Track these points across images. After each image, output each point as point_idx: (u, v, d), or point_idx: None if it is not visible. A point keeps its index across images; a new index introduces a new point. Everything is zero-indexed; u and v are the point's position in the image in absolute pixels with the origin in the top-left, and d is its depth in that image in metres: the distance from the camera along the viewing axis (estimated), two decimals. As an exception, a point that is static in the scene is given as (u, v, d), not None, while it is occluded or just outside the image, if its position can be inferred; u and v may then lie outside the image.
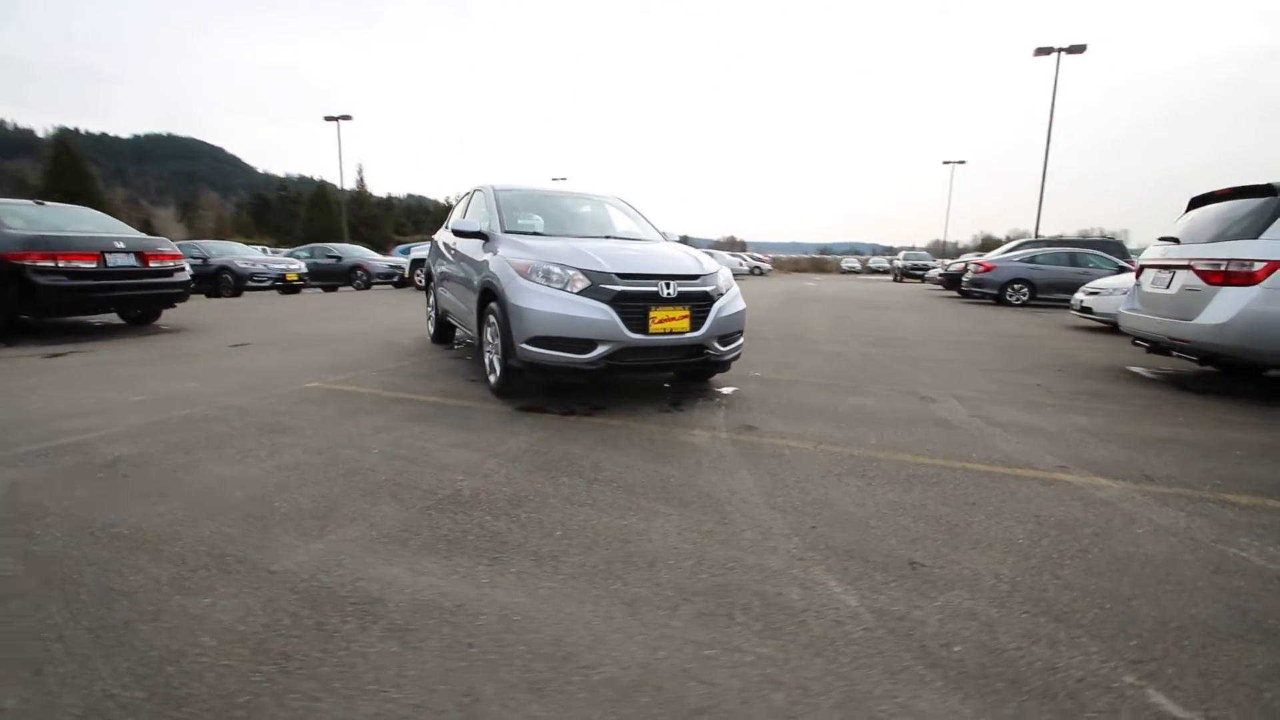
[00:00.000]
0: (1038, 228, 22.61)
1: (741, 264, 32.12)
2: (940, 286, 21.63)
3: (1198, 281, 4.72)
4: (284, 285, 14.03)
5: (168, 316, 8.20)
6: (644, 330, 3.68)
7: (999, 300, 14.90)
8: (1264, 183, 4.65)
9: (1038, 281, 14.50)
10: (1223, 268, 4.53)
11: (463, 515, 2.29)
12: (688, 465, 2.89)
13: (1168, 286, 5.12)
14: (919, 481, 2.74)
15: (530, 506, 2.38)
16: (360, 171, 54.20)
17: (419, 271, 15.54)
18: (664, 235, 5.18)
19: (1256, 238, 4.41)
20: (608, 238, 4.65)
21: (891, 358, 6.27)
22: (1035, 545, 2.15)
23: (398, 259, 17.76)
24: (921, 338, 8.02)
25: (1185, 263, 4.90)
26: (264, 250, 18.66)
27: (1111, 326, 9.50)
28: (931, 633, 1.64)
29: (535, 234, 4.46)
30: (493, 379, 4.20)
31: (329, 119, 32.03)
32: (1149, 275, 5.52)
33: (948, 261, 21.30)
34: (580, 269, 3.70)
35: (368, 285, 16.28)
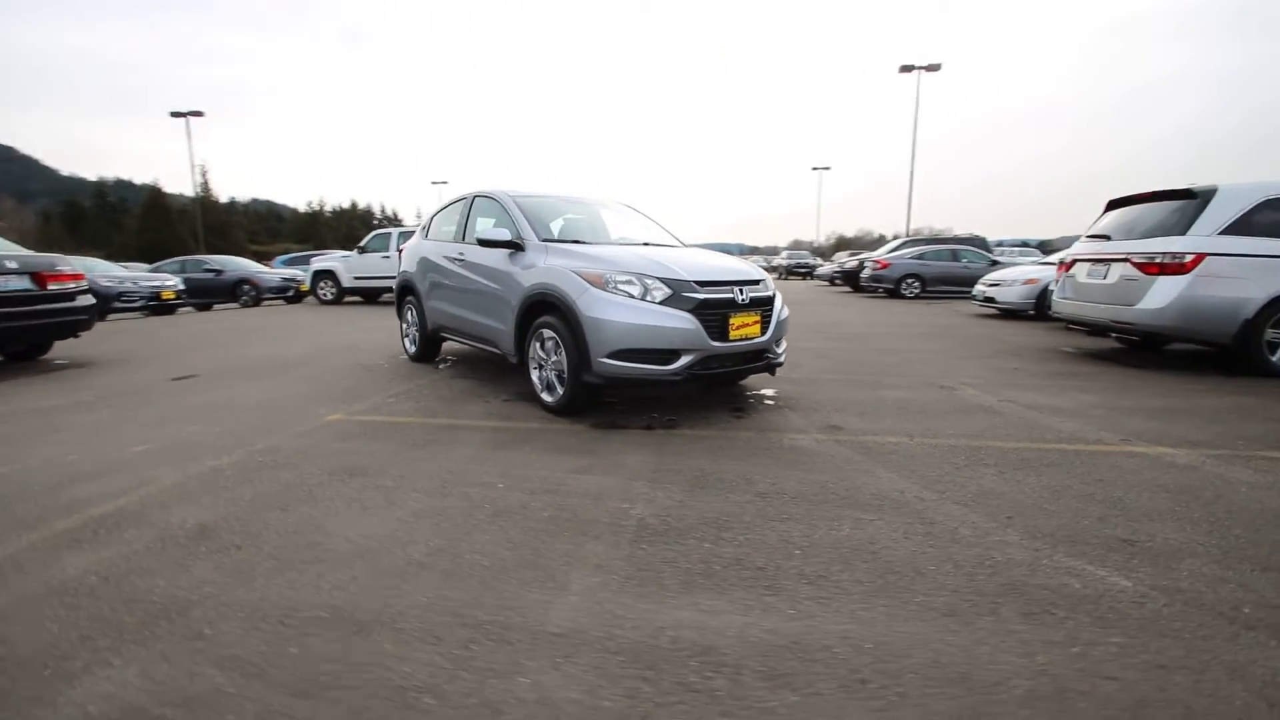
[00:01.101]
0: (908, 227, 25.21)
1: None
2: (829, 283, 23.46)
3: (1135, 272, 5.51)
4: (158, 305, 12.14)
5: (56, 349, 6.78)
6: (724, 338, 3.63)
7: (893, 294, 16.40)
8: (1183, 187, 5.53)
9: (927, 276, 16.15)
10: (1158, 260, 5.33)
11: (679, 545, 2.13)
12: (826, 469, 2.90)
13: (1105, 277, 5.93)
14: (1037, 465, 2.96)
15: (734, 528, 2.27)
16: (204, 174, 48.09)
17: (324, 284, 14.16)
18: (680, 241, 5.15)
19: (1184, 233, 5.23)
20: (646, 244, 4.54)
21: (868, 351, 6.69)
22: (1191, 511, 2.41)
23: (291, 271, 16.02)
24: (874, 331, 8.62)
25: (1122, 256, 5.70)
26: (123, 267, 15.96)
27: (1009, 314, 10.83)
28: (1217, 600, 1.78)
29: (577, 242, 4.24)
30: (548, 396, 3.94)
31: (176, 115, 28.12)
32: (1083, 268, 6.35)
33: (843, 259, 23.13)
34: (660, 278, 3.58)
35: (256, 301, 14.52)
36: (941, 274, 16.07)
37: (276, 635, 1.62)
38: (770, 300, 3.97)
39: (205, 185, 43.02)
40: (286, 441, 3.35)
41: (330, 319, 10.99)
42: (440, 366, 5.73)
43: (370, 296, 14.88)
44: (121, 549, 2.10)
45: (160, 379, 5.22)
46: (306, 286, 15.16)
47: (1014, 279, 10.54)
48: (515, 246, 4.26)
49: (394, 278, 13.22)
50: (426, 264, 5.50)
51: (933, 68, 23.39)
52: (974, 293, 11.49)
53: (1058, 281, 6.92)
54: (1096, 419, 3.78)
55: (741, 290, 3.77)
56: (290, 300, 15.36)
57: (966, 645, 1.58)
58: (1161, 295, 5.25)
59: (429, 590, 1.84)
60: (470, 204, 5.11)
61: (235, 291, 14.44)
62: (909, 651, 1.56)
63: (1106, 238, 6.15)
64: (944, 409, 4.07)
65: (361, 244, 13.89)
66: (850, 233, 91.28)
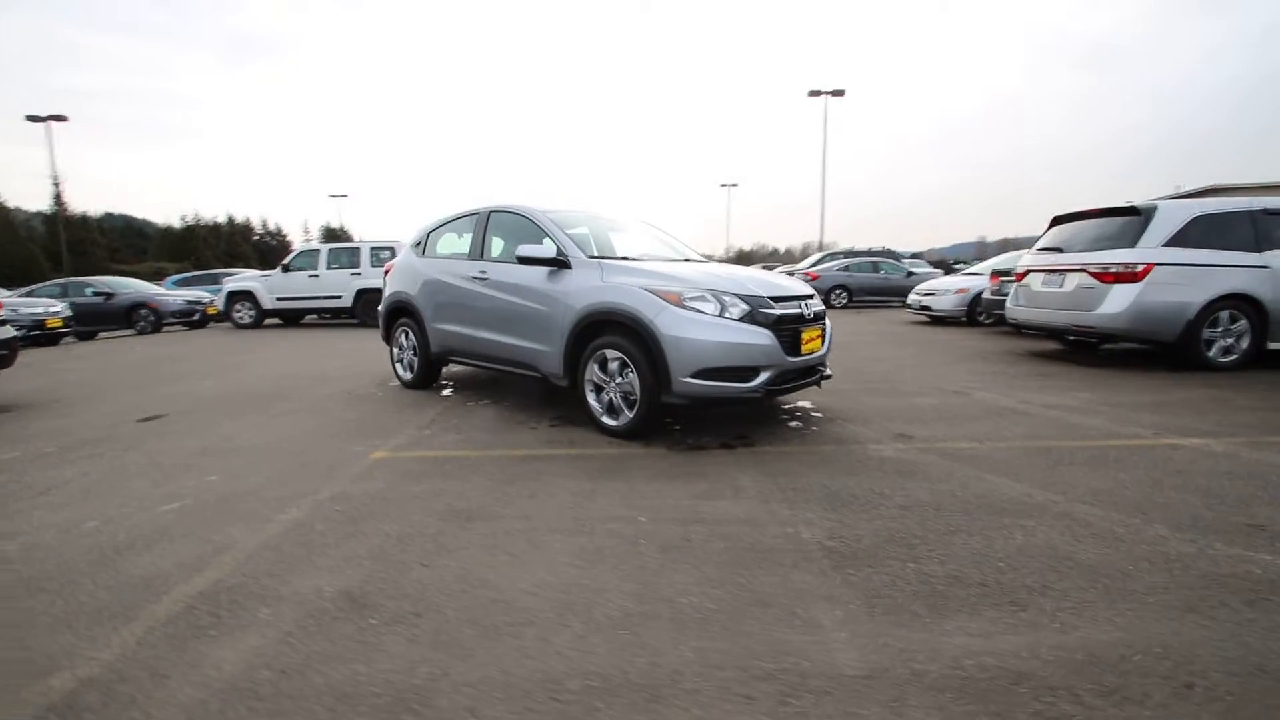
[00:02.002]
0: (821, 241, 26.77)
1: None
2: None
3: (1092, 281, 6.13)
4: (40, 335, 10.48)
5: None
6: (796, 352, 3.65)
7: (824, 304, 17.29)
8: (1128, 205, 6.24)
9: (853, 287, 17.17)
10: (1112, 269, 5.96)
11: (882, 568, 2.09)
12: (939, 478, 2.96)
13: (1061, 286, 6.55)
14: (1110, 462, 3.18)
15: (916, 545, 2.26)
16: (58, 185, 42.33)
17: (240, 307, 12.85)
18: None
19: (1134, 245, 5.88)
20: (687, 260, 4.48)
21: (855, 359, 6.97)
22: (1268, 492, 2.67)
23: (194, 293, 14.38)
24: (841, 340, 9.00)
25: (1078, 267, 6.33)
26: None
27: (940, 320, 11.72)
28: (1383, 576, 1.99)
29: (627, 259, 4.11)
30: (610, 420, 3.77)
31: (33, 119, 24.53)
32: (1037, 278, 6.97)
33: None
34: (737, 294, 3.54)
35: (156, 328, 12.88)
36: (866, 285, 17.15)
37: (564, 715, 1.41)
38: (824, 315, 4.04)
39: (59, 199, 37.61)
40: (350, 487, 2.97)
41: (265, 345, 9.96)
42: (444, 393, 5.34)
43: (292, 319, 13.68)
44: (271, 633, 1.75)
45: (119, 421, 4.48)
46: (215, 309, 13.69)
47: (946, 288, 11.43)
48: (560, 264, 4.06)
49: (325, 298, 12.44)
50: (430, 284, 5.11)
51: (838, 93, 25.13)
52: (909, 301, 12.32)
53: (1011, 291, 7.55)
54: (1112, 416, 4.14)
55: (805, 305, 3.81)
56: (195, 325, 13.78)
57: (1230, 637, 1.65)
58: (1118, 301, 5.86)
59: (682, 644, 1.68)
60: (485, 220, 4.83)
61: (130, 317, 12.74)
62: (1195, 651, 1.60)
63: (1059, 250, 6.81)
64: (977, 413, 4.30)
65: (285, 261, 12.73)
66: (748, 246, 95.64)
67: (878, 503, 2.66)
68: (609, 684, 1.51)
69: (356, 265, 12.39)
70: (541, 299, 4.12)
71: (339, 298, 12.42)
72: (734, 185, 48.52)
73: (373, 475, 3.15)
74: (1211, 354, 5.78)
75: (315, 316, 14.24)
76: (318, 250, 12.60)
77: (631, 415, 3.66)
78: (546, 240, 4.22)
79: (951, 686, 1.49)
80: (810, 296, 3.97)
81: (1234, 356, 5.78)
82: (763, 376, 3.50)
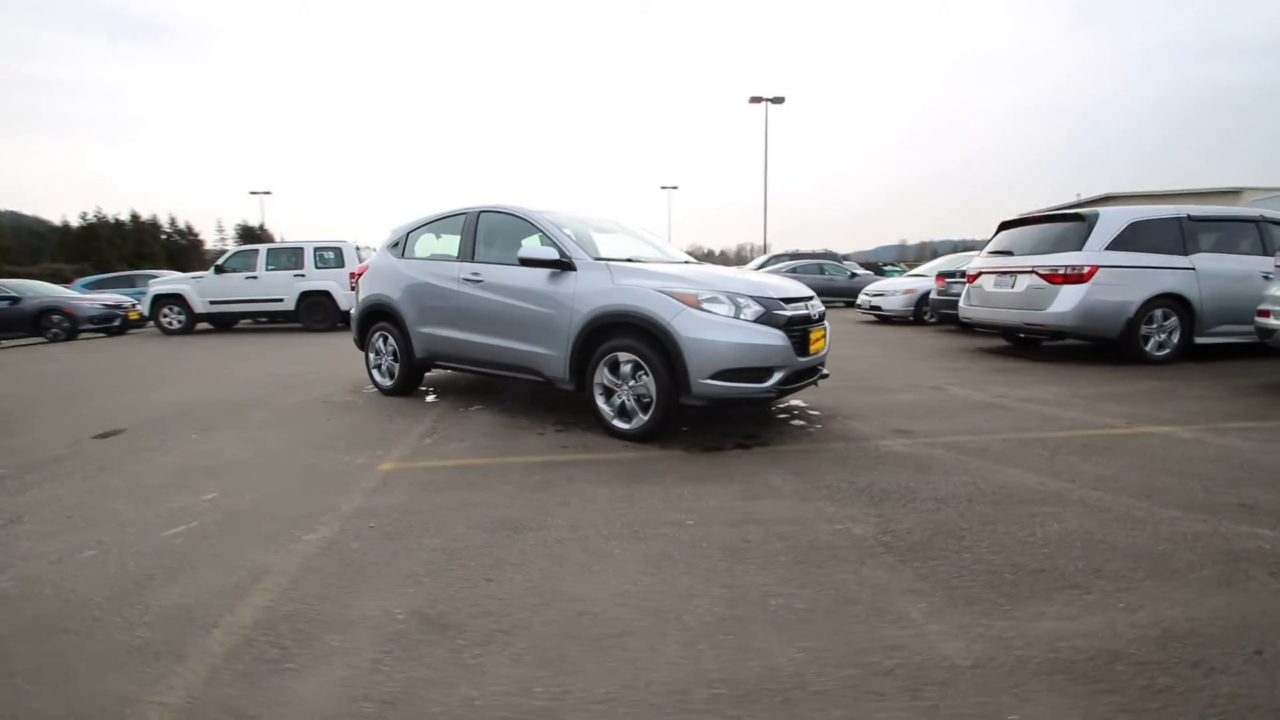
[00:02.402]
0: (765, 244, 27.53)
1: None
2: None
3: (1042, 282, 6.58)
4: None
5: None
6: (805, 352, 3.73)
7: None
8: (1073, 211, 6.73)
9: (801, 287, 17.70)
10: (1061, 271, 6.42)
11: (941, 559, 2.16)
12: (957, 471, 3.10)
13: (1013, 286, 6.99)
14: (1100, 450, 3.42)
15: (964, 536, 2.35)
16: (-71, 176, 37.75)
17: (169, 311, 11.92)
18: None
19: (1080, 249, 6.36)
20: (685, 262, 4.49)
21: (829, 358, 7.18)
22: (1248, 474, 2.95)
23: (112, 296, 13.19)
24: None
25: (1029, 269, 6.78)
26: None
27: (888, 319, 12.26)
28: (1370, 545, 2.23)
29: (633, 261, 4.08)
30: (621, 423, 3.74)
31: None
32: (989, 279, 7.41)
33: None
34: (751, 296, 3.58)
35: (72, 334, 11.73)
36: (812, 286, 17.58)
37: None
38: (824, 315, 4.16)
39: (-69, 190, 33.59)
40: (370, 501, 2.81)
41: (205, 352, 9.27)
42: (429, 399, 5.14)
43: (225, 324, 12.79)
44: (355, 661, 1.64)
45: (73, 438, 4.05)
46: (137, 314, 12.63)
47: (895, 289, 11.98)
48: (564, 266, 3.99)
49: (264, 301, 11.70)
50: (414, 286, 4.90)
51: (778, 100, 25.88)
52: (859, 302, 12.84)
53: (964, 291, 7.99)
54: (1084, 407, 4.45)
55: (810, 306, 3.91)
56: (114, 332, 12.65)
57: (1271, 606, 1.82)
58: (1067, 300, 6.32)
59: (788, 645, 1.68)
60: (475, 221, 4.68)
61: (40, 323, 11.55)
62: (1247, 620, 1.74)
63: (1009, 253, 7.27)
64: (960, 408, 4.54)
65: (219, 262, 11.89)
66: (685, 248, 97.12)
67: (910, 497, 2.75)
68: (736, 690, 1.50)
69: (299, 266, 11.73)
70: (544, 301, 4.04)
71: (280, 300, 11.72)
72: (674, 188, 49.03)
73: (389, 488, 2.99)
74: (1149, 349, 6.32)
75: (250, 321, 13.40)
76: (255, 250, 11.84)
77: (646, 418, 3.64)
78: (544, 241, 4.14)
79: (1058, 669, 1.56)
80: (812, 298, 4.07)
81: (1167, 350, 6.33)
82: (776, 377, 3.56)
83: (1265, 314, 5.03)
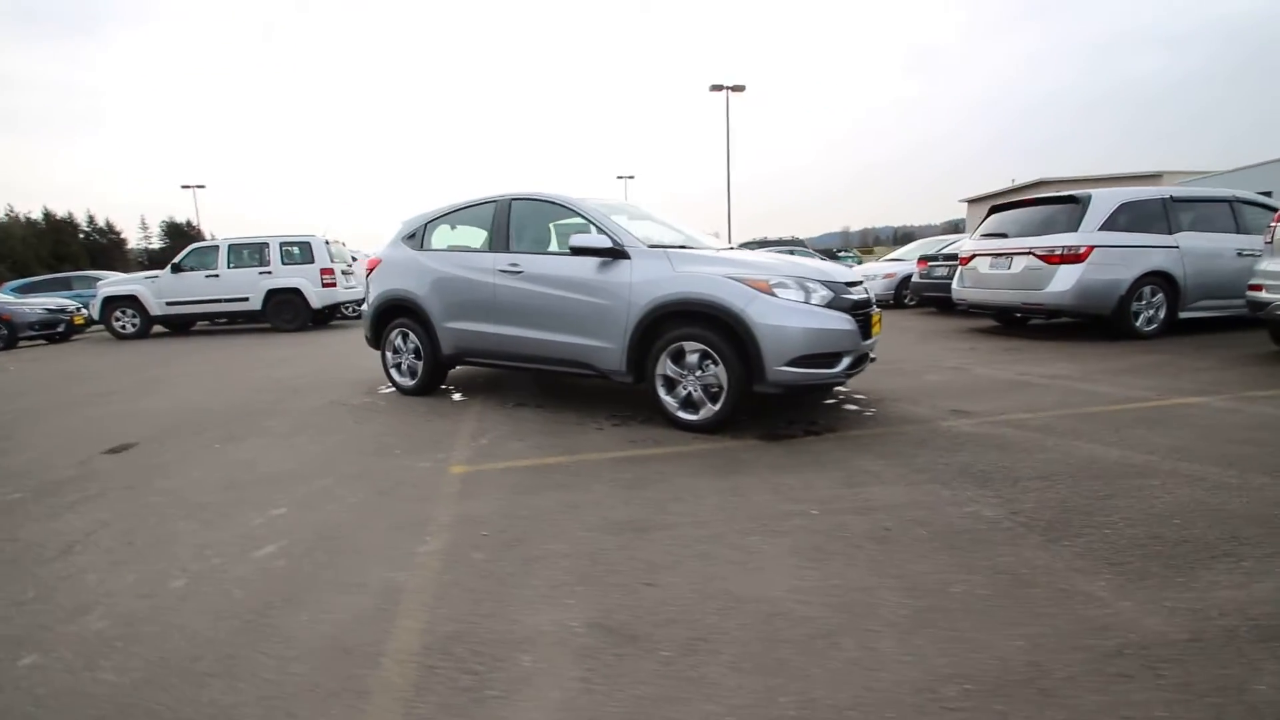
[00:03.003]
0: (729, 233, 27.83)
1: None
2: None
3: (1039, 263, 6.80)
4: None
5: None
6: (867, 335, 3.73)
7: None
8: (1067, 195, 6.98)
9: (773, 274, 17.93)
10: (1058, 252, 6.65)
11: (1080, 538, 2.18)
12: (1035, 449, 3.14)
13: (1009, 268, 7.22)
14: (1156, 422, 3.53)
15: (1085, 512, 2.38)
16: None
17: (122, 314, 11.07)
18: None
19: (1076, 230, 6.61)
20: (732, 249, 4.41)
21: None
22: (1306, 441, 3.11)
23: (59, 300, 12.12)
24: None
25: (1025, 250, 7.00)
26: None
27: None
28: None
29: (687, 247, 3.97)
30: (686, 414, 3.65)
31: None
32: (984, 261, 7.63)
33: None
34: (820, 281, 3.54)
35: (11, 343, 10.72)
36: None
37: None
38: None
39: None
40: (465, 508, 2.64)
41: (174, 356, 8.64)
42: (455, 397, 4.92)
43: (181, 327, 11.98)
44: (560, 682, 1.51)
45: (77, 456, 3.68)
46: (82, 319, 11.68)
47: (875, 273, 12.24)
48: (617, 254, 3.85)
49: (228, 300, 11.00)
50: (442, 279, 4.66)
51: (738, 88, 26.00)
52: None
53: (957, 273, 8.20)
54: (1110, 382, 4.62)
55: (866, 290, 3.90)
56: (57, 339, 11.65)
57: None
58: (1064, 280, 6.56)
59: (1000, 634, 1.65)
60: (507, 210, 4.46)
61: (-31, 331, 10.52)
62: None
63: (1003, 235, 7.49)
64: (995, 386, 4.64)
65: (176, 260, 11.08)
66: None
67: (1013, 477, 2.77)
68: (984, 685, 1.45)
69: (265, 263, 11.07)
70: (596, 291, 3.89)
71: (245, 300, 11.05)
72: (630, 178, 48.69)
73: (476, 492, 2.82)
74: (1138, 324, 6.63)
75: (208, 323, 12.61)
76: (215, 247, 11.10)
77: (716, 408, 3.56)
78: (594, 229, 3.99)
79: (1269, 636, 1.58)
80: (862, 281, 4.06)
81: (1155, 326, 6.66)
82: (845, 361, 3.55)
83: (1258, 288, 5.33)
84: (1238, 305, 6.75)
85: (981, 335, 7.58)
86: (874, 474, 2.88)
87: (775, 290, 3.44)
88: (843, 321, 3.50)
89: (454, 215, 4.87)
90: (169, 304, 11.08)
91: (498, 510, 2.60)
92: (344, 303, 12.27)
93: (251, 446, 3.74)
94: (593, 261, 3.93)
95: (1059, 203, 7.03)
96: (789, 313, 3.40)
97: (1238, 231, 6.86)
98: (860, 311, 3.65)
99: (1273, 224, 5.28)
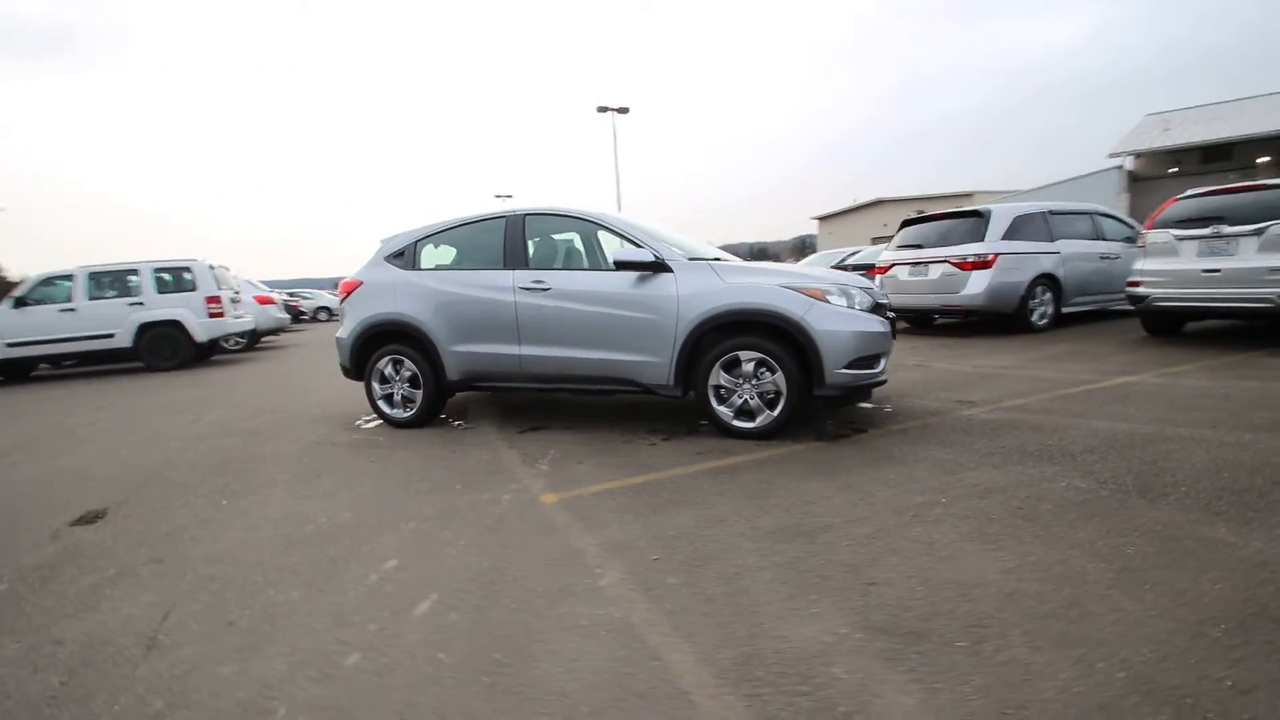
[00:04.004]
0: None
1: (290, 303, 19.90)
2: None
3: (954, 269, 7.74)
4: None
5: None
6: (892, 337, 4.04)
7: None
8: (972, 209, 7.99)
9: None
10: (970, 259, 7.61)
11: (1193, 496, 2.54)
12: (1059, 429, 3.58)
13: (927, 274, 8.12)
14: (1127, 398, 4.15)
15: (1168, 474, 2.76)
16: None
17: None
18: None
19: (983, 240, 7.60)
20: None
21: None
22: (1242, 403, 3.84)
23: None
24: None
25: (941, 259, 7.92)
26: None
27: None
28: (1382, 438, 3.06)
29: (722, 259, 4.05)
30: (742, 422, 3.72)
31: None
32: (903, 270, 8.50)
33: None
34: (860, 288, 3.79)
35: None
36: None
37: None
38: (883, 303, 4.52)
39: None
40: (601, 536, 2.50)
41: (40, 405, 7.11)
42: (455, 424, 4.59)
43: (19, 372, 9.92)
44: (900, 686, 1.51)
45: (38, 531, 2.94)
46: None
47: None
48: (659, 268, 3.85)
49: (89, 338, 9.29)
50: (445, 299, 4.33)
51: (623, 110, 26.72)
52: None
53: (876, 281, 9.04)
54: (1052, 369, 5.36)
55: (886, 296, 4.23)
56: None
57: None
58: (977, 284, 7.51)
59: (1208, 583, 1.87)
60: (521, 225, 4.28)
61: None
62: None
63: (919, 246, 8.41)
64: (971, 380, 5.18)
65: (19, 294, 9.14)
66: None
67: (1068, 452, 3.14)
68: (1232, 622, 1.66)
69: (135, 293, 9.53)
70: (638, 306, 3.85)
71: (110, 336, 9.40)
72: (508, 197, 47.92)
73: (595, 519, 2.68)
74: (1034, 319, 7.73)
75: (48, 366, 10.55)
76: (71, 276, 9.33)
77: (775, 414, 3.66)
78: (631, 243, 3.95)
79: (1385, 554, 1.96)
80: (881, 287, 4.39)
81: (1046, 320, 7.80)
82: (883, 362, 3.82)
83: (1136, 284, 6.44)
84: (1103, 300, 8.14)
85: (908, 336, 8.40)
86: (955, 462, 3.12)
87: (828, 298, 3.63)
88: (881, 324, 3.77)
89: (452, 232, 4.57)
90: (9, 344, 9.12)
91: (641, 534, 2.49)
92: (230, 335, 10.89)
93: (269, 499, 3.24)
94: (629, 276, 3.89)
95: (964, 217, 8.04)
96: (841, 318, 3.60)
97: (1097, 239, 8.25)
98: (889, 315, 3.94)
99: (1144, 231, 6.44)
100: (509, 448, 3.93)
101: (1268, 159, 26.94)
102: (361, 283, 4.69)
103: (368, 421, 4.83)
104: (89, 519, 3.08)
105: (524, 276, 4.15)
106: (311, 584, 2.25)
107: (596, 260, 4.56)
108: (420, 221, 4.69)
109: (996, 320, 7.81)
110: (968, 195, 35.05)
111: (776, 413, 3.66)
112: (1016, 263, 7.54)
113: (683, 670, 1.62)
